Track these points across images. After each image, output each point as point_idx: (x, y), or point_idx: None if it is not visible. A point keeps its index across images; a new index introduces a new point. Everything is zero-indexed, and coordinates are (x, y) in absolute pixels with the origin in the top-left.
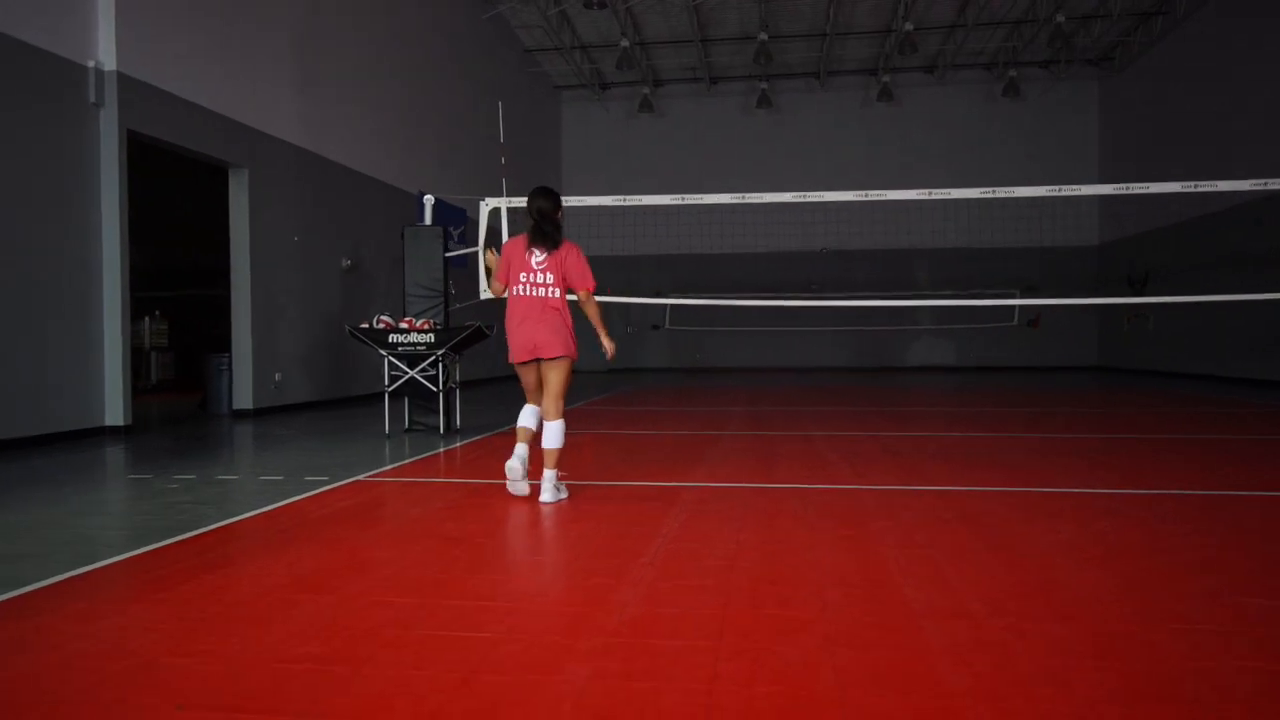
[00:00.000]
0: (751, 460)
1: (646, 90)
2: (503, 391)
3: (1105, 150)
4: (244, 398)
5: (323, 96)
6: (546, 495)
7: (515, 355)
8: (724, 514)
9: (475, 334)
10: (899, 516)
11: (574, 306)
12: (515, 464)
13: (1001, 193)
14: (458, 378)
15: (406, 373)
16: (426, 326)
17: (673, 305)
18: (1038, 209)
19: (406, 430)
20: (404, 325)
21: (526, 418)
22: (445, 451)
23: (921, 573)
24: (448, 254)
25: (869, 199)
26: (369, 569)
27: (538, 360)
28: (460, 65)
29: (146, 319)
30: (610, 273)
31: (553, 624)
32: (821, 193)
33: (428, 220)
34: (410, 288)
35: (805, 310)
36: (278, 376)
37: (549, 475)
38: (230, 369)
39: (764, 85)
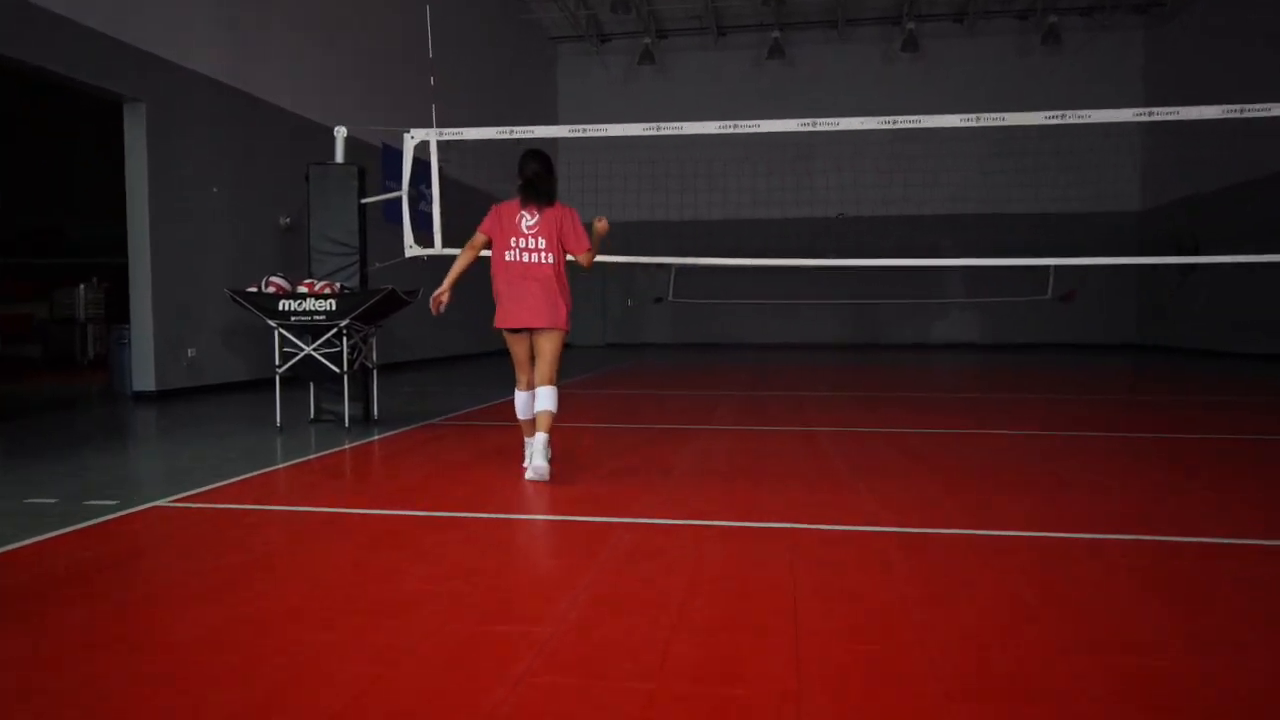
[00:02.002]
0: (731, 477)
1: (648, 40)
2: (449, 374)
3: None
4: (145, 378)
5: (257, 25)
6: (540, 460)
7: (501, 320)
8: (663, 577)
9: (388, 300)
10: (969, 593)
11: (570, 273)
12: (541, 464)
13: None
14: (374, 356)
15: (300, 349)
16: (328, 290)
17: (677, 270)
18: (1075, 170)
19: (313, 421)
20: (302, 289)
21: (525, 409)
22: (336, 454)
23: None
24: (365, 200)
25: (896, 126)
26: None
27: (529, 331)
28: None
29: (82, 287)
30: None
31: None
32: (833, 119)
33: (339, 157)
34: (316, 241)
35: (818, 277)
36: (190, 353)
37: (540, 439)
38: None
39: (776, 34)
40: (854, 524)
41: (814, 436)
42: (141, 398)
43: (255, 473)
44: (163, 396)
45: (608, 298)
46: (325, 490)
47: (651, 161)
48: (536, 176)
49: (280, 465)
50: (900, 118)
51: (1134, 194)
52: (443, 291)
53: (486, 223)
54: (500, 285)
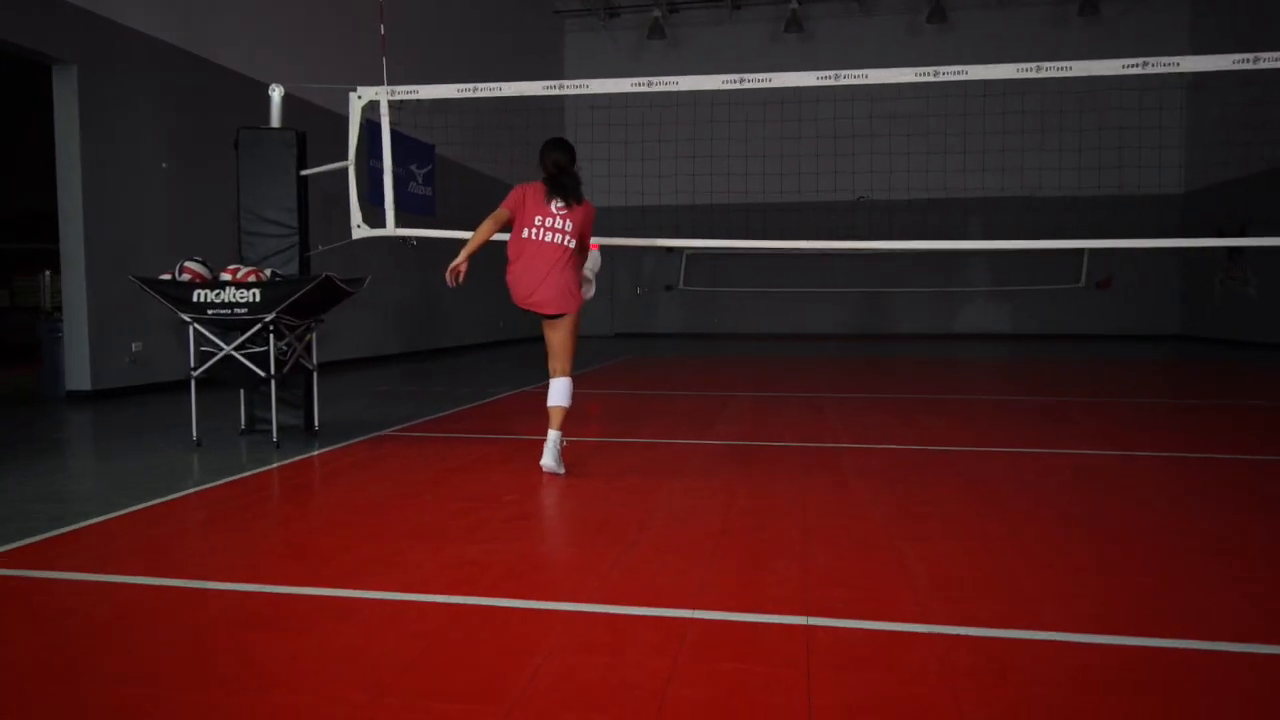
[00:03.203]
0: (725, 544)
1: (658, 13)
2: (429, 370)
3: (1196, 83)
4: (79, 376)
5: None
6: (548, 459)
7: (517, 298)
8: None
9: (324, 290)
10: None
11: None
12: (548, 462)
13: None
14: (314, 357)
15: (220, 348)
16: (253, 278)
17: (688, 256)
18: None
19: (244, 433)
20: (225, 276)
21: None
22: (244, 480)
23: None
24: (307, 171)
25: (937, 79)
26: None
27: (543, 319)
28: None
29: (47, 274)
30: (620, 224)
31: None
32: (860, 70)
33: (275, 121)
34: (246, 220)
35: (836, 265)
36: (135, 347)
37: (553, 437)
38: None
39: (795, 5)
40: (895, 621)
41: (839, 463)
42: (75, 398)
43: (129, 509)
44: (100, 397)
45: (616, 285)
46: (190, 544)
47: (660, 140)
48: (562, 171)
49: (169, 496)
50: (943, 68)
51: (1178, 175)
52: (460, 263)
53: (511, 198)
54: (514, 265)
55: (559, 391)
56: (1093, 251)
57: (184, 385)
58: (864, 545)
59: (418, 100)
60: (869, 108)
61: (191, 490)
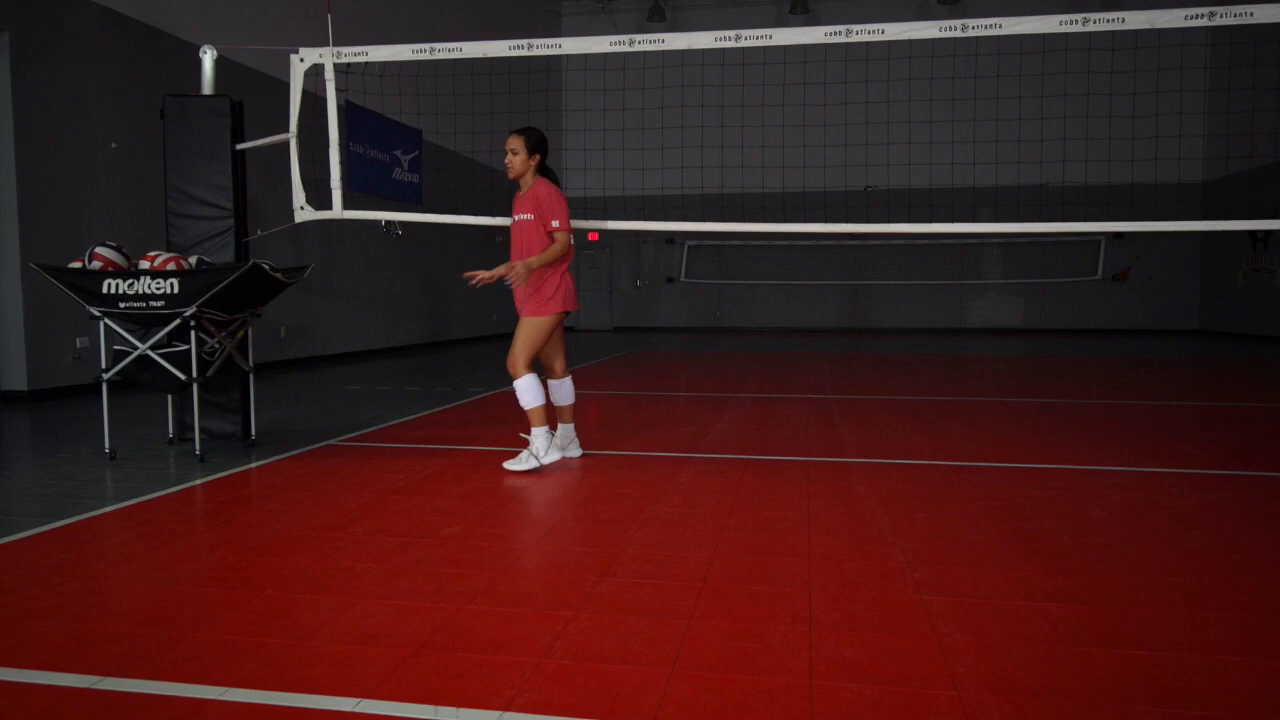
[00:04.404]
0: (709, 556)
1: None
2: (411, 367)
3: (1218, 60)
4: (14, 374)
5: None
6: (509, 462)
7: (573, 303)
8: None
9: (252, 280)
10: None
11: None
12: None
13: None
14: (250, 357)
15: (135, 346)
16: (172, 266)
17: (690, 248)
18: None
19: (171, 443)
20: (144, 264)
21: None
22: (138, 506)
23: None
24: (242, 145)
25: (965, 34)
26: None
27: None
28: None
29: None
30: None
31: None
32: (873, 26)
33: (207, 88)
34: (174, 200)
35: (843, 257)
36: (80, 343)
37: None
38: None
39: None
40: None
41: (850, 484)
42: (9, 398)
43: None
44: (38, 397)
45: (615, 277)
46: (20, 602)
47: (662, 130)
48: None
49: (28, 531)
50: (973, 20)
51: (1198, 163)
52: (520, 275)
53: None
54: (565, 269)
55: (517, 393)
56: (1110, 243)
57: (120, 387)
58: (885, 606)
59: (365, 64)
60: (885, 90)
61: (65, 521)
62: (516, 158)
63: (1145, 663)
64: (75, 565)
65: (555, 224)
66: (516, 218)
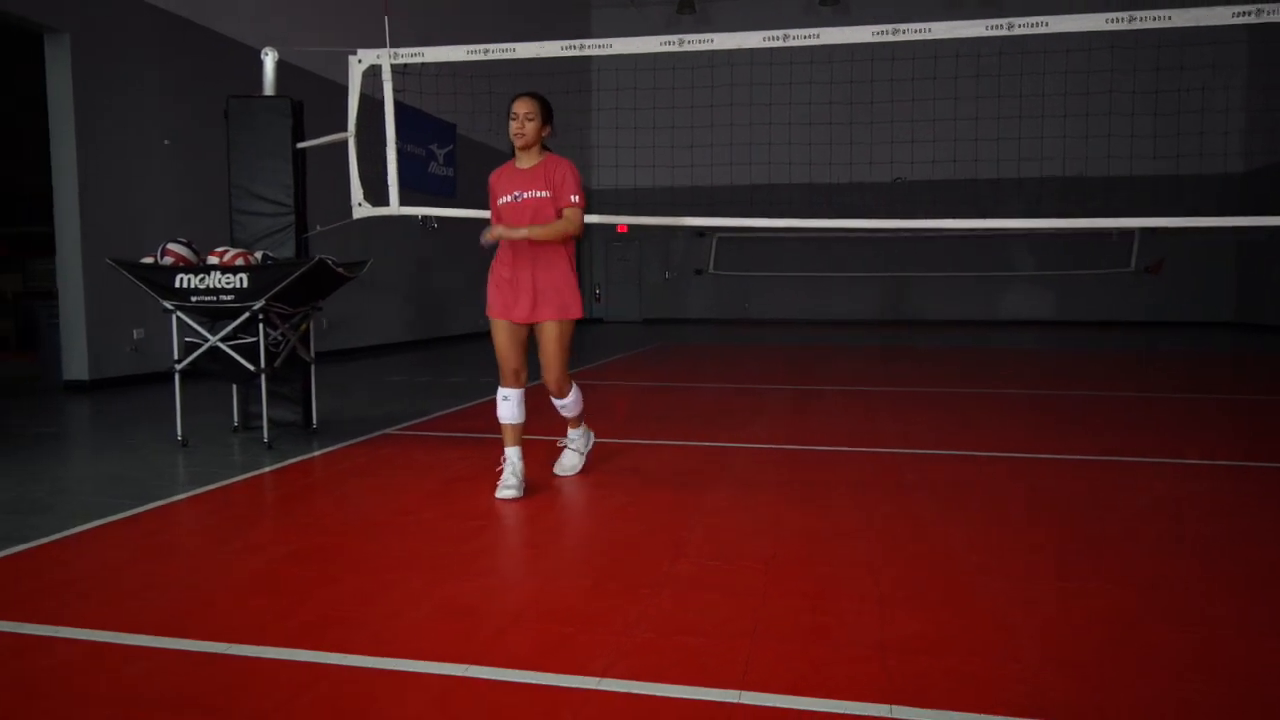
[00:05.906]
0: (772, 542)
1: None
2: (457, 356)
3: (1255, 53)
4: (77, 364)
5: None
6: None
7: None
8: None
9: (317, 275)
10: None
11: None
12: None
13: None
14: (311, 348)
15: (206, 339)
16: (240, 262)
17: (719, 240)
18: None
19: (237, 431)
20: (212, 259)
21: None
22: (209, 494)
23: None
24: (302, 144)
25: (1010, 33)
26: None
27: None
28: None
29: None
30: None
31: None
32: (921, 25)
33: (269, 89)
34: (237, 198)
35: (873, 249)
36: (137, 334)
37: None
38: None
39: None
40: (1005, 716)
41: (906, 483)
42: (73, 388)
43: (71, 530)
44: (98, 387)
45: (644, 270)
46: (126, 581)
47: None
48: None
49: (126, 513)
50: (1018, 20)
51: (1238, 153)
52: (512, 234)
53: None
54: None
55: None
56: (1144, 234)
57: (187, 376)
58: (948, 587)
59: (422, 64)
60: (910, 89)
61: (154, 504)
62: (531, 124)
63: (1197, 641)
64: (174, 545)
65: (575, 198)
66: (520, 195)
